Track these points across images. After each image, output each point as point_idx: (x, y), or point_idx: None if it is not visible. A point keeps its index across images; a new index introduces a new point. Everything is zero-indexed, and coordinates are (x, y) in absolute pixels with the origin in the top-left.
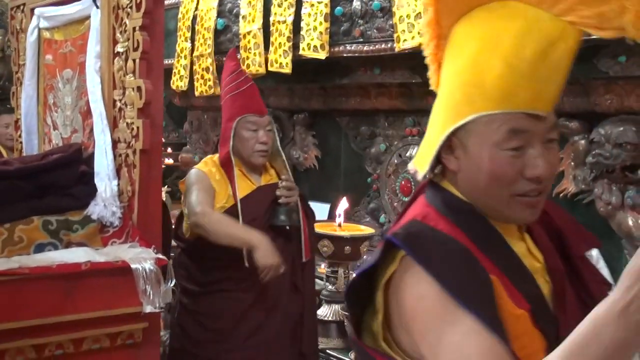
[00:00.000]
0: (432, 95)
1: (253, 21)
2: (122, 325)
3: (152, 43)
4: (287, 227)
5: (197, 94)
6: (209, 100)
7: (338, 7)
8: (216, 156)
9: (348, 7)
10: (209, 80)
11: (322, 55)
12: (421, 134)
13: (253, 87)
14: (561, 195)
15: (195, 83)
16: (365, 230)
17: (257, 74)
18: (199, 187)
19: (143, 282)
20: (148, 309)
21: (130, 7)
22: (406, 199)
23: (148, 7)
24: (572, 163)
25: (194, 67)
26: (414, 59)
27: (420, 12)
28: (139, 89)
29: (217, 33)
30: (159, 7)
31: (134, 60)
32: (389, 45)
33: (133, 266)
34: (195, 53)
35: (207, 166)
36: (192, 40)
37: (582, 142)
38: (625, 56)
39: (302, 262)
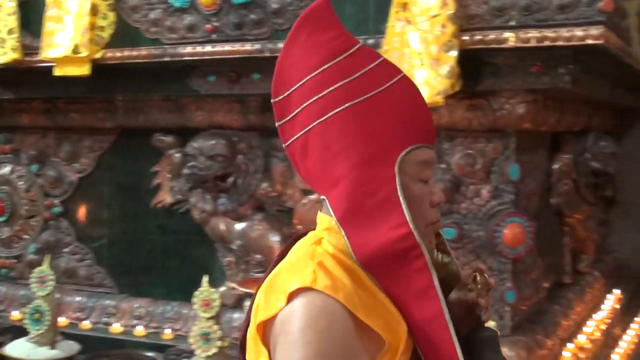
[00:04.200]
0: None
1: None
2: None
3: None
4: None
5: None
6: None
7: None
8: (327, 243)
9: None
10: None
11: None
12: (14, 151)
13: (407, 80)
14: (158, 206)
15: None
16: None
17: None
18: None
19: None
20: None
21: None
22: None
23: None
24: (169, 175)
25: None
26: (6, 75)
27: (12, 28)
28: None
29: None
30: None
31: None
32: None
33: None
34: None
35: (334, 281)
36: None
37: (177, 155)
38: (215, 76)
39: None
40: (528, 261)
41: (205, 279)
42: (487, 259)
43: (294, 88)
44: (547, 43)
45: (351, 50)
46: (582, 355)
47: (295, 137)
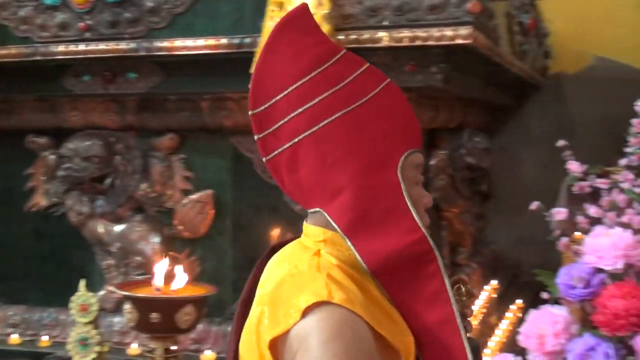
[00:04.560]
0: None
1: None
2: None
3: None
4: None
5: None
6: None
7: None
8: (328, 255)
9: None
10: None
11: None
12: None
13: (393, 85)
14: (33, 209)
15: None
16: None
17: None
18: None
19: None
20: None
21: None
22: None
23: None
24: (43, 178)
25: None
26: None
27: None
28: None
29: None
30: None
31: None
32: None
33: None
34: None
35: (348, 293)
36: None
37: (52, 157)
38: (89, 75)
39: None
40: None
41: (82, 283)
42: None
43: (277, 98)
44: (418, 43)
45: (336, 57)
46: None
47: (280, 150)
